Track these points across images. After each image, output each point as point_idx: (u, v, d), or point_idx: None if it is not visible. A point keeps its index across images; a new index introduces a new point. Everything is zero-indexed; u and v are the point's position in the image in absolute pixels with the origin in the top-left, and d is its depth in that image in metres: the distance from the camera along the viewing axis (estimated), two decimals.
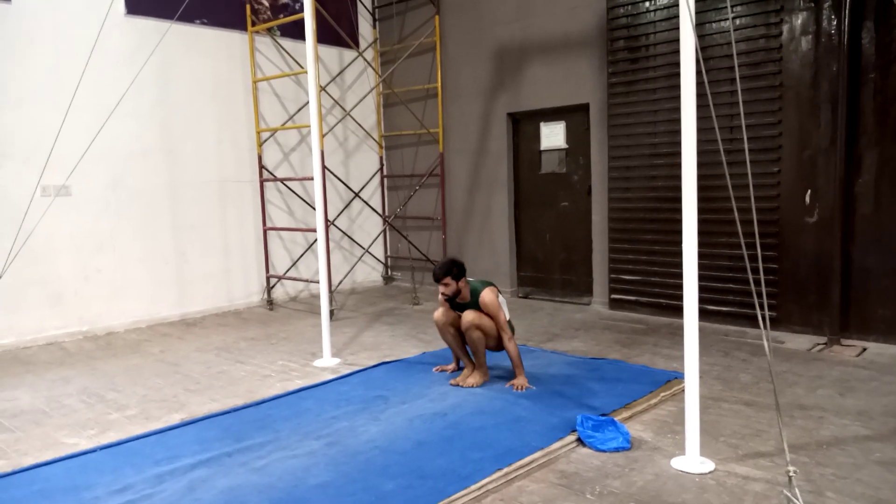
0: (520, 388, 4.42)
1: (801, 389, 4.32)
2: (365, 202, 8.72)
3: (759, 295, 2.88)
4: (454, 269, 4.54)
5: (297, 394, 4.54)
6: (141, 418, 4.21)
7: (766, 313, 2.91)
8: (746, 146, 3.29)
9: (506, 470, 3.26)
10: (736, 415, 3.93)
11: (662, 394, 4.28)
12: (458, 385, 4.56)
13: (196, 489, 3.18)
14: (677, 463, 3.31)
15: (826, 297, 5.46)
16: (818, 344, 5.35)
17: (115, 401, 4.56)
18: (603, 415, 3.84)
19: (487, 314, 4.47)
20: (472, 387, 4.52)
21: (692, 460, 3.30)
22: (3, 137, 6.00)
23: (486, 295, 4.49)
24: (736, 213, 3.00)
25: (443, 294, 4.56)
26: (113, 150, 6.59)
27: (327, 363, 5.29)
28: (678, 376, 4.48)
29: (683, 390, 3.41)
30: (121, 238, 6.76)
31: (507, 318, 4.54)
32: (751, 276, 2.88)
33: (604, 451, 3.48)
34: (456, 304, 4.65)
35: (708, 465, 3.27)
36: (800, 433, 3.62)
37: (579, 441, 3.60)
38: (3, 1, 5.93)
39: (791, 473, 2.64)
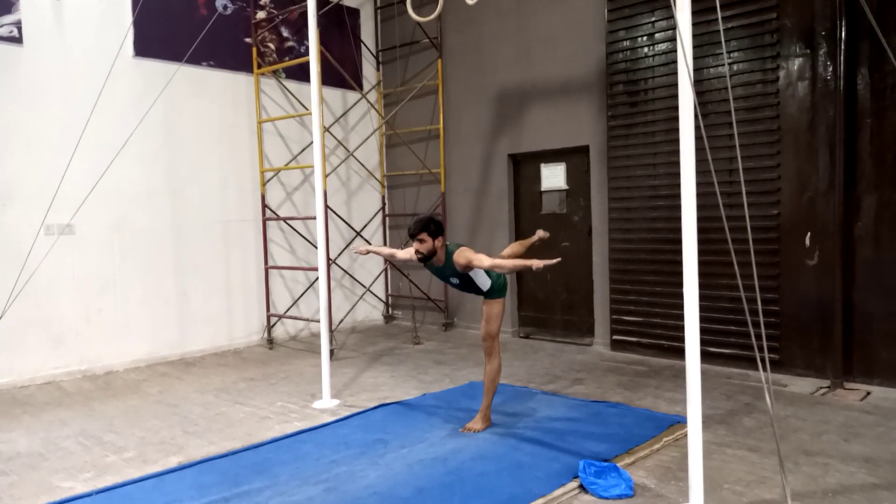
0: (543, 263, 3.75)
1: (805, 435, 4.27)
2: (367, 241, 8.75)
3: (759, 338, 2.87)
4: (431, 225, 4.25)
5: (295, 437, 4.49)
6: (138, 461, 4.16)
7: (766, 355, 2.90)
8: (744, 189, 3.32)
9: None
10: (740, 461, 3.88)
11: (665, 439, 4.23)
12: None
13: None
14: None
15: (828, 339, 5.44)
16: (821, 387, 5.30)
17: (113, 443, 4.51)
18: (606, 460, 3.79)
19: (466, 265, 4.20)
20: (472, 432, 4.47)
21: None
22: (10, 179, 6.05)
23: (460, 255, 4.22)
24: (734, 256, 3.01)
25: (417, 251, 4.28)
26: (117, 192, 6.64)
27: (327, 405, 5.24)
28: (681, 420, 4.43)
29: (686, 435, 3.38)
30: (123, 279, 6.77)
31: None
32: (749, 320, 2.88)
33: (607, 498, 3.43)
34: (431, 266, 4.42)
35: None
36: (805, 480, 3.57)
37: (582, 488, 3.55)
38: (15, 43, 6.06)
39: None
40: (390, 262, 8.89)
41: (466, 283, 4.41)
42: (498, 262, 4.12)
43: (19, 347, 6.09)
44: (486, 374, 4.49)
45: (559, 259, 3.81)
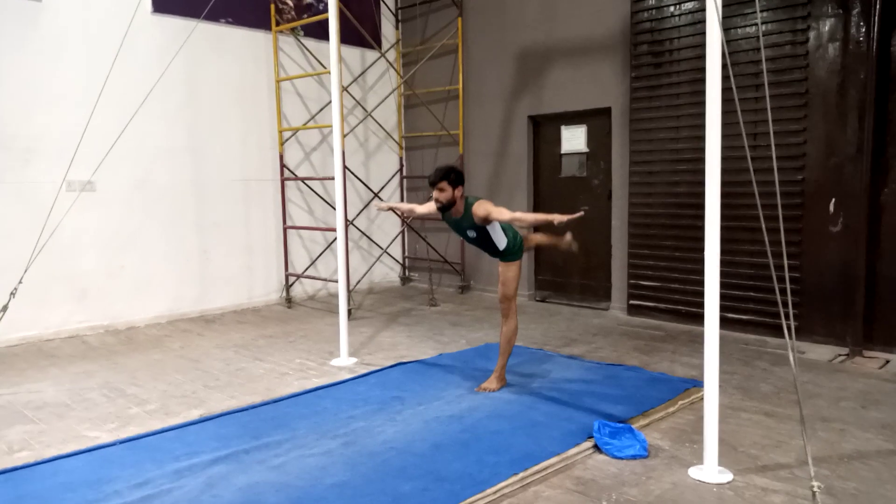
0: (566, 219, 3.77)
1: (823, 401, 4.26)
2: (383, 201, 8.75)
3: (785, 304, 2.85)
4: (452, 174, 4.23)
5: (314, 392, 4.56)
6: (161, 413, 4.25)
7: (792, 323, 2.87)
8: (774, 153, 3.24)
9: (522, 475, 3.26)
10: (756, 425, 3.89)
11: (681, 402, 4.25)
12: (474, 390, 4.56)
13: (215, 486, 3.20)
14: (695, 472, 3.29)
15: (849, 307, 5.39)
16: (840, 355, 5.28)
17: (136, 395, 4.62)
18: (620, 422, 3.81)
19: (485, 217, 4.18)
20: (488, 391, 4.51)
21: (710, 470, 3.27)
22: (34, 135, 6.10)
23: (479, 206, 4.20)
24: (762, 221, 2.96)
25: (436, 200, 4.26)
26: (140, 149, 6.67)
27: (344, 362, 5.31)
28: (697, 384, 4.44)
29: (702, 399, 3.38)
30: (145, 235, 6.84)
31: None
32: (776, 287, 2.85)
33: (621, 458, 3.46)
34: (449, 217, 4.40)
35: (726, 476, 3.24)
36: (822, 445, 3.58)
37: (596, 448, 3.58)
38: None
39: (816, 489, 2.60)
40: (407, 223, 8.89)
41: (483, 237, 4.37)
42: (518, 215, 4.14)
43: (45, 301, 6.21)
44: (503, 334, 4.53)
45: (582, 213, 3.81)
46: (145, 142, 6.70)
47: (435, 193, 4.26)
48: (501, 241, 4.39)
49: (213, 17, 6.90)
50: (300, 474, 3.31)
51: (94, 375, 5.10)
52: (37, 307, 6.16)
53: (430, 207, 4.50)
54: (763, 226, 2.92)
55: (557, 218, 3.74)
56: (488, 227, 4.30)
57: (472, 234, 4.39)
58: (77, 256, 6.39)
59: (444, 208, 4.30)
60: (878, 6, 5.07)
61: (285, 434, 3.82)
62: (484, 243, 4.42)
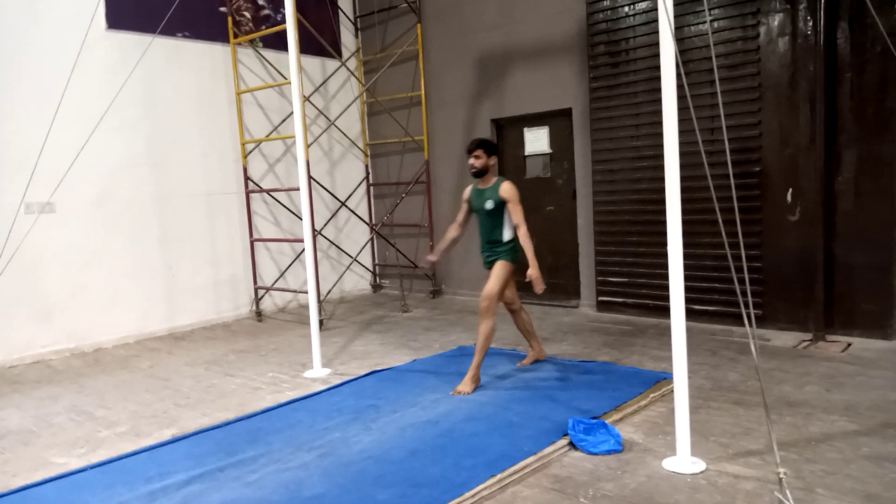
0: (536, 280, 4.50)
1: (788, 386, 4.36)
2: (352, 211, 8.73)
3: (745, 294, 2.92)
4: (487, 144, 4.73)
5: (288, 406, 4.52)
6: (131, 435, 4.18)
7: (752, 312, 2.94)
8: (728, 147, 3.32)
9: (499, 476, 3.27)
10: (725, 414, 3.97)
11: (652, 395, 4.32)
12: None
13: None
14: (669, 464, 3.34)
15: (810, 293, 5.53)
16: (804, 340, 5.41)
17: (105, 418, 4.53)
18: (594, 418, 3.86)
19: (509, 198, 4.60)
20: (462, 394, 4.53)
21: (683, 461, 3.33)
22: None
23: (507, 185, 4.64)
24: (718, 214, 3.03)
25: (472, 166, 4.71)
26: (99, 165, 6.56)
27: (318, 374, 5.28)
28: (667, 377, 4.51)
29: (672, 391, 3.44)
30: (108, 253, 6.72)
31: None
32: (735, 276, 2.92)
33: (596, 454, 3.50)
34: (476, 188, 4.81)
35: (699, 465, 3.30)
36: (789, 430, 3.66)
37: (571, 445, 3.62)
38: None
39: (781, 475, 2.66)
40: (375, 231, 8.87)
41: (497, 213, 4.67)
42: (525, 227, 4.57)
43: (6, 325, 6.06)
44: (479, 333, 4.59)
45: (542, 290, 4.53)
46: (105, 158, 6.59)
47: (471, 160, 4.72)
48: (508, 231, 4.70)
49: (169, 31, 6.83)
50: (276, 489, 3.28)
51: (60, 399, 4.99)
52: None
53: (459, 217, 4.99)
54: (719, 218, 2.98)
55: (531, 271, 4.50)
56: (508, 206, 4.63)
57: (490, 205, 4.67)
58: (39, 277, 6.25)
59: (479, 174, 4.72)
60: (822, 1, 5.23)
61: (260, 449, 3.78)
62: (494, 221, 4.70)
